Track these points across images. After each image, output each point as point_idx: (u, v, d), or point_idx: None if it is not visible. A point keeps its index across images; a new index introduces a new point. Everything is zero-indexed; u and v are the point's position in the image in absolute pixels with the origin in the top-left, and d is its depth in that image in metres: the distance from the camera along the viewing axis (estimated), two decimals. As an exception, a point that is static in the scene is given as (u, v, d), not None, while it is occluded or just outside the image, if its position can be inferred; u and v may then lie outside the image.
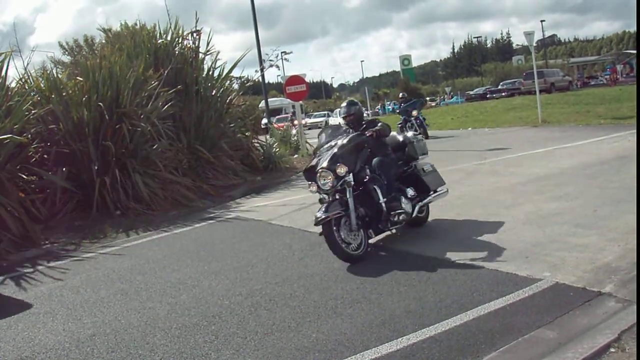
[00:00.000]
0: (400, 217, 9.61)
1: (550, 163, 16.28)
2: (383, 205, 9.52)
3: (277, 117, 50.20)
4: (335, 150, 9.64)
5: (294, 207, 14.65)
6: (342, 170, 9.30)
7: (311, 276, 8.66)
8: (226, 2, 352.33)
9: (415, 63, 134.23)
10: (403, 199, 9.78)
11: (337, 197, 9.50)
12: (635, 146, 12.30)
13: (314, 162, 10.00)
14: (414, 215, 10.03)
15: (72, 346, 6.93)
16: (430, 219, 11.28)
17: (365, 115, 56.28)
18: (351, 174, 9.45)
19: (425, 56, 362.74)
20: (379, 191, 9.61)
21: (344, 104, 11.24)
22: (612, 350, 5.39)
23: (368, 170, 9.92)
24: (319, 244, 10.34)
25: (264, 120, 34.21)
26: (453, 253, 8.87)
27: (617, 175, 13.40)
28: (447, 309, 6.71)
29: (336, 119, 53.97)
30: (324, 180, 9.45)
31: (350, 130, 10.49)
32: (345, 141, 9.80)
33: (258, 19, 32.71)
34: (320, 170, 9.52)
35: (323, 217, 9.07)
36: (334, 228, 9.06)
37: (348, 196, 9.28)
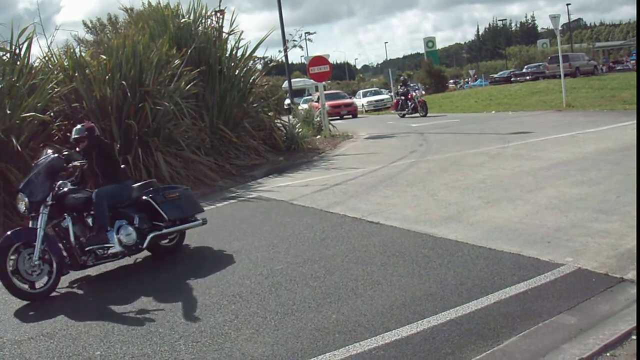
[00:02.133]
0: (108, 251, 9.01)
1: (573, 148, 16.17)
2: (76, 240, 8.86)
3: (304, 97, 49.84)
4: (31, 174, 9.04)
5: (316, 187, 14.66)
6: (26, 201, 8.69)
7: (332, 257, 8.66)
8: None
9: (440, 45, 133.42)
10: (114, 234, 9.11)
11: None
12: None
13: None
14: (144, 245, 9.41)
15: (93, 323, 6.97)
16: (450, 202, 11.26)
17: (388, 97, 55.99)
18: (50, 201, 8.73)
19: (451, 38, 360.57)
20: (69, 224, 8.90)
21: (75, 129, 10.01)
22: (634, 337, 5.36)
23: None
24: (340, 225, 10.41)
25: (287, 101, 34.20)
26: (475, 237, 8.85)
27: (606, 163, 13.31)
28: (467, 293, 6.70)
29: (359, 100, 54.12)
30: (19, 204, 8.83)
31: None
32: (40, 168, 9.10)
33: (285, -1, 32.86)
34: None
35: None
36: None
37: (38, 225, 8.50)
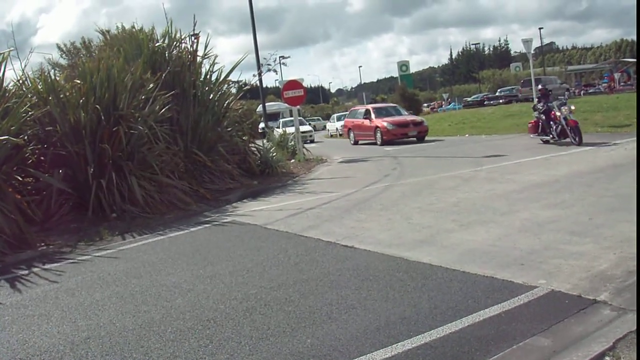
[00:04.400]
0: None
1: (546, 170, 16.31)
2: None
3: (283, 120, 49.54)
4: None
5: (290, 211, 14.65)
6: None
7: (306, 281, 8.65)
8: (229, 4, 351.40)
9: (415, 69, 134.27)
10: None
11: None
12: (632, 154, 12.38)
13: None
14: None
15: (67, 349, 6.92)
16: (424, 225, 11.31)
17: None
18: None
19: (426, 62, 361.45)
20: None
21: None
22: (607, 358, 5.40)
23: None
24: (314, 249, 10.41)
25: (262, 125, 34.24)
26: (449, 260, 8.88)
27: (613, 183, 13.44)
28: (441, 316, 6.71)
29: (333, 124, 53.09)
30: None
31: None
32: None
33: (261, 22, 33.47)
34: None
35: None
36: None
37: None
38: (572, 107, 23.29)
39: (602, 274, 7.56)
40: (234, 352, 6.34)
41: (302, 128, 47.68)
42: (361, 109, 40.93)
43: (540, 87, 26.49)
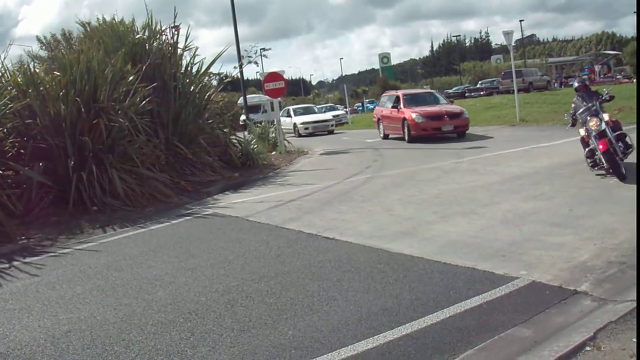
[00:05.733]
0: None
1: (527, 162, 16.37)
2: None
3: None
4: None
5: (271, 203, 14.63)
6: None
7: (288, 273, 8.65)
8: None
9: (396, 61, 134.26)
10: None
11: None
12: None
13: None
14: None
15: (48, 342, 6.88)
16: (405, 217, 11.33)
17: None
18: None
19: (408, 54, 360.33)
20: None
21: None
22: (588, 348, 5.42)
23: None
24: (296, 241, 10.42)
25: (243, 117, 34.11)
26: (430, 251, 8.91)
27: (592, 175, 13.47)
28: (423, 307, 6.72)
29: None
30: None
31: None
32: None
33: (244, 14, 33.03)
34: None
35: None
36: None
37: None
38: (606, 117, 13.45)
39: (582, 265, 7.61)
40: (216, 344, 6.33)
41: (321, 117, 45.31)
42: (392, 94, 32.75)
43: (576, 83, 15.47)
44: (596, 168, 13.50)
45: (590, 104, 13.86)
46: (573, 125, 14.89)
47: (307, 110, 47.54)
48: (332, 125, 43.53)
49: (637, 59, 38.24)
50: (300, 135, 40.74)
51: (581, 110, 14.04)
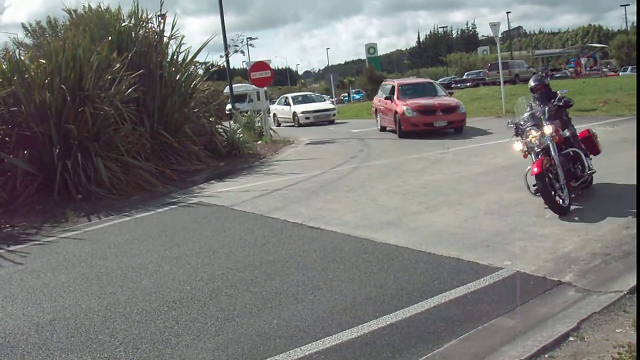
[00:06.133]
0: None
1: (512, 153, 16.40)
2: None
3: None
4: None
5: (257, 193, 14.62)
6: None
7: (273, 262, 8.66)
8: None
9: (383, 51, 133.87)
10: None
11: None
12: (601, 138, 12.41)
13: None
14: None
15: (32, 331, 6.88)
16: (391, 207, 11.35)
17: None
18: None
19: (395, 44, 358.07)
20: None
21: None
22: (571, 339, 5.45)
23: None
24: (281, 230, 10.43)
25: (228, 106, 34.00)
26: (415, 241, 8.93)
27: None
28: (408, 297, 6.75)
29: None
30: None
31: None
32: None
33: (231, 3, 32.91)
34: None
35: None
36: None
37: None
38: (548, 130, 10.41)
39: (566, 256, 7.66)
40: (200, 332, 6.33)
41: (322, 105, 42.13)
42: (389, 83, 29.98)
43: (532, 81, 12.24)
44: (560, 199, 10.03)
45: (535, 110, 11.07)
46: (518, 135, 11.08)
47: (305, 98, 44.51)
48: (333, 115, 40.60)
49: (637, 58, 38.32)
50: (300, 125, 38.86)
51: (525, 116, 11.09)
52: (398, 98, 26.03)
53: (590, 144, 11.41)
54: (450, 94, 29.15)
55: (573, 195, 10.30)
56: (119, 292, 8.05)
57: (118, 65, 18.18)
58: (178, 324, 6.64)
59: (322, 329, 6.12)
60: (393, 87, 27.68)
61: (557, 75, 76.57)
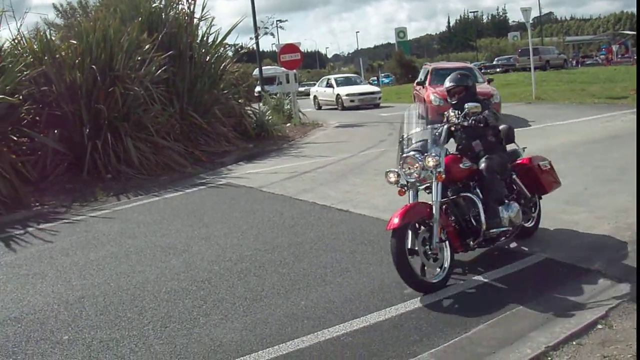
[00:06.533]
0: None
1: (542, 140, 16.27)
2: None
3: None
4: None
5: (285, 175, 14.65)
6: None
7: (301, 244, 8.68)
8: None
9: (412, 36, 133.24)
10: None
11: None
12: (629, 126, 12.27)
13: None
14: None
15: (61, 308, 6.94)
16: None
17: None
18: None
19: (424, 29, 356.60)
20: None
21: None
22: (600, 326, 5.42)
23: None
24: (309, 213, 10.44)
25: (258, 88, 33.97)
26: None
27: (608, 154, 13.43)
28: (436, 281, 6.72)
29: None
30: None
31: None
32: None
33: (262, -15, 32.20)
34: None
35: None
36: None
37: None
38: (431, 162, 7.23)
39: (596, 244, 7.61)
40: (228, 312, 6.36)
41: (367, 88, 40.00)
42: (426, 67, 28.69)
43: (448, 82, 8.54)
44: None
45: (431, 127, 8.00)
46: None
47: (348, 80, 41.58)
48: (379, 99, 37.85)
49: (637, 58, 38.05)
50: (344, 108, 36.47)
51: (417, 131, 8.13)
52: (430, 84, 24.48)
53: (533, 179, 8.40)
54: (489, 81, 26.15)
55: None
56: (147, 271, 8.10)
57: (148, 46, 18.21)
58: (206, 304, 6.67)
59: (349, 311, 6.13)
60: (427, 72, 26.36)
61: (587, 62, 76.03)
